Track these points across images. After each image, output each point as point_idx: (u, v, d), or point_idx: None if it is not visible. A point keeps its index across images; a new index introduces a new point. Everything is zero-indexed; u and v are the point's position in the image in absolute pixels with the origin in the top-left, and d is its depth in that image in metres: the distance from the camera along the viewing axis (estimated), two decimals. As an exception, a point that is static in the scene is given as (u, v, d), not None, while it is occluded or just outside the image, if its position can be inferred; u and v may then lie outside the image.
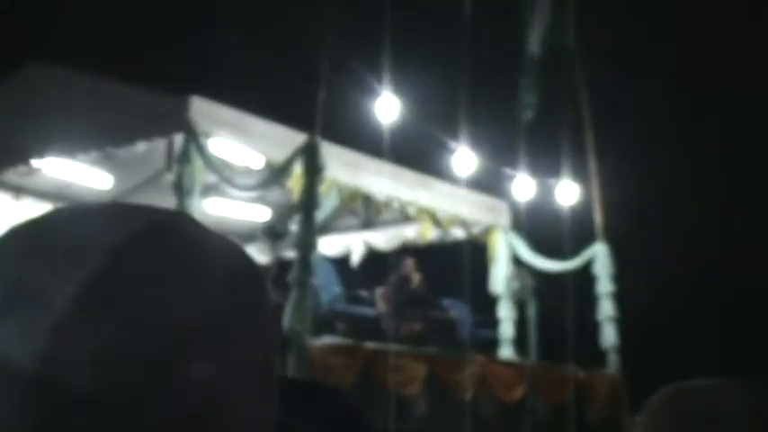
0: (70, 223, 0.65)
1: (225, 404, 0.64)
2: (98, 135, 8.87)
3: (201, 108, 8.46)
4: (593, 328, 12.18)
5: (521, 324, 11.89)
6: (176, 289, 0.62)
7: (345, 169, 9.75)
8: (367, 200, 11.14)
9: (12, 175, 10.19)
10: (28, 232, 0.65)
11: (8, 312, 0.60)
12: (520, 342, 11.76)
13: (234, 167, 9.04)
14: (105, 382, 0.59)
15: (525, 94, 12.02)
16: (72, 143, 9.02)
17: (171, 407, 0.61)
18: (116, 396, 0.59)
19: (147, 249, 0.63)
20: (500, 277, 12.03)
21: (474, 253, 11.63)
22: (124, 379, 0.59)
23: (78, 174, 10.42)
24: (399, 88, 10.11)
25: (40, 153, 9.35)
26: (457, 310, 11.19)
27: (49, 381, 0.59)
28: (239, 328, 0.65)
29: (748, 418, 1.17)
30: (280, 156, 8.87)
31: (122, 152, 9.05)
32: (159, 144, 8.64)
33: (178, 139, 8.37)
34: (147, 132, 8.66)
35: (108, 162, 10.21)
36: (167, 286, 0.62)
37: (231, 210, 11.68)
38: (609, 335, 12.13)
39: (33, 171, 9.87)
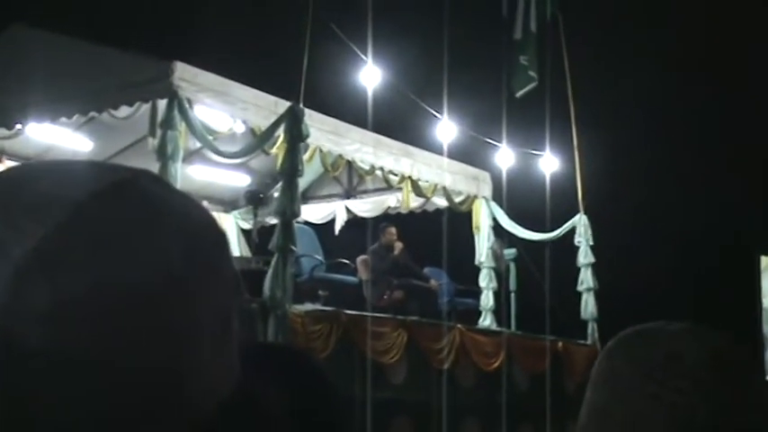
0: (34, 179, 0.65)
1: (179, 360, 0.64)
2: (81, 99, 8.81)
3: (185, 73, 8.41)
4: (572, 298, 12.27)
5: (502, 294, 11.95)
6: (135, 246, 0.63)
7: (329, 137, 9.74)
8: (350, 168, 11.14)
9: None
10: None
11: None
12: (501, 312, 11.81)
13: (217, 133, 9.01)
14: (59, 336, 0.59)
15: (524, 73, 12.06)
16: (55, 107, 8.94)
17: (123, 364, 0.62)
18: (69, 351, 0.60)
19: (109, 206, 0.64)
20: (483, 247, 12.06)
21: (457, 222, 11.66)
22: (78, 334, 0.60)
23: (61, 138, 10.36)
24: (383, 58, 10.10)
25: (23, 116, 9.27)
26: (438, 279, 11.22)
27: (3, 332, 0.59)
28: (196, 286, 0.66)
29: (707, 364, 1.15)
30: (263, 123, 8.85)
31: (106, 117, 9.01)
32: (142, 109, 8.60)
33: (161, 104, 8.33)
34: (130, 97, 8.59)
35: (91, 127, 10.16)
36: (126, 243, 0.63)
37: (214, 176, 11.65)
38: (589, 305, 12.23)
39: (16, 134, 9.79)
